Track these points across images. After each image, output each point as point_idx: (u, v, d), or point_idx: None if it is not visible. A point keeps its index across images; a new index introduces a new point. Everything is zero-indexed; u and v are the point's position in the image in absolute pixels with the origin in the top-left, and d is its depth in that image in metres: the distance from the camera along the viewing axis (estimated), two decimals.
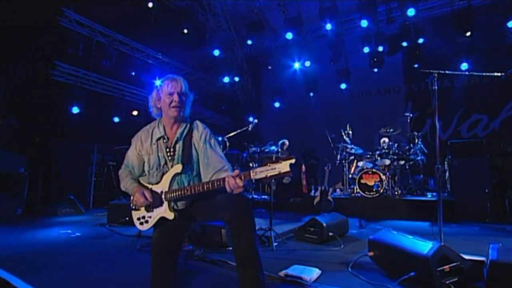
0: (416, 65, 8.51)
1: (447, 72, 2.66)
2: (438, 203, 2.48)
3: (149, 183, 1.87)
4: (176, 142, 1.84)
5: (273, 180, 1.53)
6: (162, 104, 1.84)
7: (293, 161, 1.39)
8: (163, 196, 1.77)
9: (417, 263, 2.01)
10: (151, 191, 1.80)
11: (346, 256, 3.00)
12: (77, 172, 7.08)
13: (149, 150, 1.86)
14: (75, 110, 6.67)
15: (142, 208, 1.83)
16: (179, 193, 1.72)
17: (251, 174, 1.48)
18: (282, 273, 2.31)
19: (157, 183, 1.82)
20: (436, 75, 2.62)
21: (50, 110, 6.31)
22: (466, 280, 1.98)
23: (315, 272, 2.33)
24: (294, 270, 2.37)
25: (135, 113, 7.93)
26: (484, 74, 2.80)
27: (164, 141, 1.86)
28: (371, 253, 2.64)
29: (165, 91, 1.82)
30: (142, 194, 1.75)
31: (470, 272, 2.00)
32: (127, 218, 4.88)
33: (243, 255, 1.58)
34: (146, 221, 1.81)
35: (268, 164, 1.43)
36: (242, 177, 1.51)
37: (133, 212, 1.88)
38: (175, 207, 1.79)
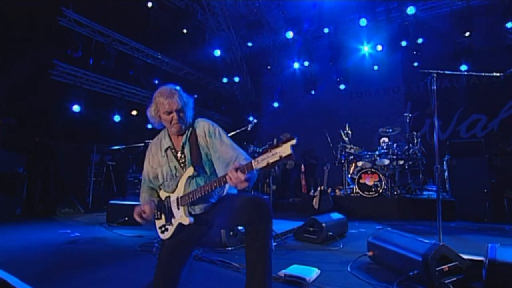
0: (415, 64, 8.54)
1: (446, 72, 2.66)
2: (437, 203, 2.48)
3: (166, 192, 1.86)
4: (183, 147, 1.82)
5: (276, 168, 1.47)
6: (163, 121, 1.82)
7: (294, 142, 1.26)
8: (179, 202, 1.76)
9: (416, 263, 2.02)
10: (159, 203, 1.84)
11: (345, 256, 3.00)
12: (77, 172, 7.08)
13: (161, 162, 1.86)
14: (75, 109, 6.66)
15: (163, 217, 1.83)
16: (191, 196, 1.69)
17: (253, 165, 1.38)
18: (281, 273, 2.31)
19: (173, 190, 1.81)
20: (435, 75, 2.62)
21: (49, 110, 6.31)
22: (465, 280, 1.99)
23: (314, 272, 2.33)
24: (294, 270, 2.37)
25: (134, 113, 7.93)
26: (483, 74, 2.81)
27: (172, 151, 1.85)
28: (370, 253, 2.64)
29: (162, 109, 1.77)
30: (139, 211, 1.78)
31: (469, 272, 2.00)
32: (126, 218, 4.89)
33: (255, 259, 1.54)
34: (167, 229, 1.79)
35: (269, 150, 1.32)
36: (245, 170, 1.42)
37: (156, 221, 1.87)
38: (192, 212, 1.77)
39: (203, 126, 1.84)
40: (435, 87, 2.61)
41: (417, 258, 2.01)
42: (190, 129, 1.85)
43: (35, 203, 6.02)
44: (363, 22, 7.58)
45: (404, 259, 2.16)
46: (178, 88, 1.84)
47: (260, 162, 1.35)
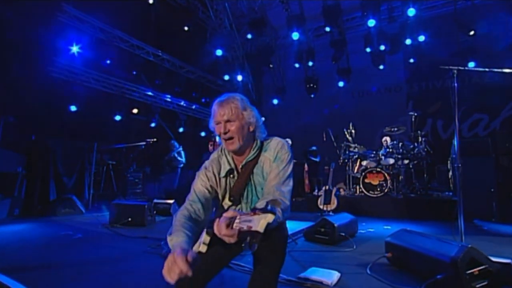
0: (411, 60, 8.54)
1: (466, 68, 2.59)
2: (459, 204, 2.41)
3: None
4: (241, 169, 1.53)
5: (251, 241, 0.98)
6: (217, 133, 1.49)
7: (270, 218, 0.95)
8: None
9: (444, 266, 1.94)
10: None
11: (361, 257, 2.92)
12: (76, 171, 6.92)
13: (222, 183, 1.52)
14: (75, 108, 6.52)
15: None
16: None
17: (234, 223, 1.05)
18: (302, 277, 2.22)
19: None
20: (455, 71, 2.55)
21: (49, 108, 6.16)
22: (494, 284, 1.92)
23: (335, 275, 2.25)
24: (313, 273, 2.29)
25: (135, 111, 7.79)
26: (502, 71, 2.74)
27: (232, 176, 1.51)
28: (389, 254, 2.57)
29: (213, 119, 1.48)
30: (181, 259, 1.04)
31: (499, 275, 1.93)
32: (129, 219, 4.77)
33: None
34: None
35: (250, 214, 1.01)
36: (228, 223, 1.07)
37: None
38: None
39: (275, 146, 1.49)
40: (456, 84, 2.54)
41: (446, 261, 1.94)
42: (255, 151, 1.50)
43: (34, 203, 5.87)
44: (371, 22, 7.51)
45: (430, 261, 2.08)
46: (241, 97, 1.51)
47: (238, 224, 1.05)
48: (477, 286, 1.85)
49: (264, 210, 0.98)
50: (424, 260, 2.16)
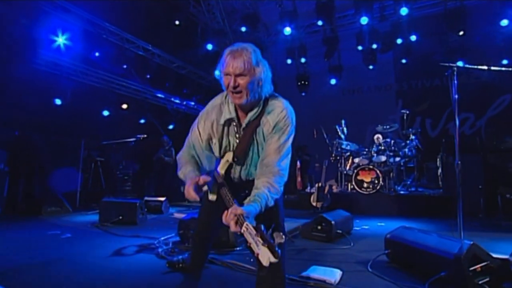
0: (403, 61, 8.67)
1: (466, 66, 2.61)
2: (458, 202, 2.43)
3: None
4: (246, 126, 1.51)
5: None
6: (224, 84, 1.43)
7: (274, 260, 1.03)
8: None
9: (447, 263, 1.95)
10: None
11: (359, 254, 2.93)
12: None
13: (218, 131, 1.54)
14: (61, 102, 6.26)
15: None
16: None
17: (243, 227, 1.14)
18: (304, 276, 2.19)
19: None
20: (455, 69, 2.56)
21: (33, 102, 5.88)
22: (496, 280, 1.93)
23: (337, 274, 2.23)
24: (315, 271, 2.26)
25: (124, 106, 7.57)
26: (500, 69, 2.77)
27: (234, 124, 1.51)
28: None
29: (222, 68, 1.41)
30: (191, 188, 1.37)
31: (500, 271, 1.95)
32: (120, 217, 4.63)
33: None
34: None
35: (257, 234, 1.08)
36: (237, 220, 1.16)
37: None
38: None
39: (279, 112, 1.45)
40: (456, 81, 2.55)
41: (449, 258, 1.95)
42: (259, 108, 1.47)
43: (17, 201, 5.62)
44: (364, 20, 7.52)
45: (433, 258, 2.09)
46: (253, 49, 1.44)
47: (245, 232, 1.13)
48: (480, 282, 1.86)
49: (270, 244, 1.04)
50: (425, 257, 2.17)
